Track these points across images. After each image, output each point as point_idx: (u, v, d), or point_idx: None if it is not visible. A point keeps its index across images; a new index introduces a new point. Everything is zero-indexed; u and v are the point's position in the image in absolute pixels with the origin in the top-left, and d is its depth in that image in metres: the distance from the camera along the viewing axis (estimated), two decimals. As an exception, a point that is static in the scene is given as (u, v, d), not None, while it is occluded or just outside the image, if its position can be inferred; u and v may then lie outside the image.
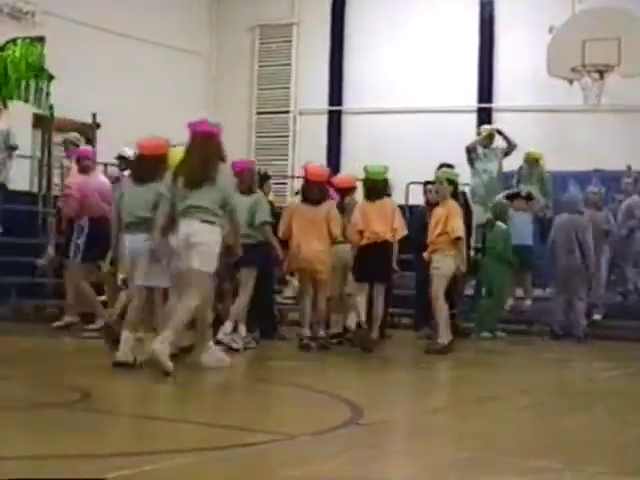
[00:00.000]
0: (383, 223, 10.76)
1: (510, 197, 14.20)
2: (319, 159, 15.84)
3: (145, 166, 8.63)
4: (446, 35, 17.74)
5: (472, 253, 12.47)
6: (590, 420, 6.88)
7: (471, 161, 14.58)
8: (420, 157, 14.56)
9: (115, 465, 4.55)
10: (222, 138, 8.42)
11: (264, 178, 12.07)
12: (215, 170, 8.15)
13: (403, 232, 10.94)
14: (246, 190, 10.13)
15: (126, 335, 8.26)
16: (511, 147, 14.79)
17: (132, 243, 8.55)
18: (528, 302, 14.18)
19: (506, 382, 9.21)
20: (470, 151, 14.60)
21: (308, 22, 19.05)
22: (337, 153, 18.49)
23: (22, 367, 8.34)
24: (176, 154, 8.66)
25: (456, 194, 11.04)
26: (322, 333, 10.81)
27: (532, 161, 14.86)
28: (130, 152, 13.25)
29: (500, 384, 8.98)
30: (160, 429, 5.75)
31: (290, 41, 19.21)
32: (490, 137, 14.87)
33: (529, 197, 14.28)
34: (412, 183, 14.62)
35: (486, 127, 15.29)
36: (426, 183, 12.87)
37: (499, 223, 13.26)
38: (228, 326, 10.02)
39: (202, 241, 7.98)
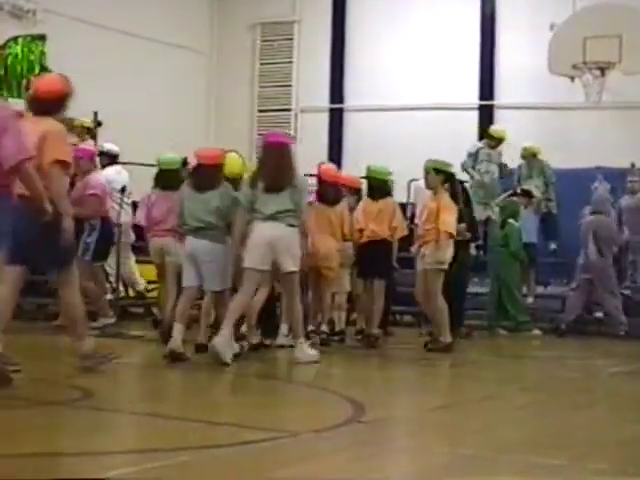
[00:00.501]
0: (382, 222, 10.80)
1: (511, 195, 14.24)
2: (321, 157, 15.85)
3: (204, 175, 9.14)
4: (447, 32, 17.74)
5: (473, 252, 12.45)
6: (591, 417, 6.89)
7: (472, 167, 14.55)
8: (421, 155, 14.44)
9: (117, 463, 4.56)
10: (293, 147, 9.26)
11: None
12: (293, 175, 8.84)
13: (403, 232, 10.98)
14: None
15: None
16: (506, 172, 14.85)
17: (193, 246, 9.02)
18: (530, 299, 14.20)
19: (507, 380, 9.21)
20: (469, 171, 14.54)
21: (309, 20, 19.06)
22: (339, 151, 18.50)
23: (23, 365, 8.33)
24: (232, 160, 9.56)
25: (453, 185, 10.88)
26: (324, 327, 10.85)
27: (530, 155, 14.89)
28: (109, 146, 13.17)
29: (501, 382, 8.98)
30: (162, 427, 5.75)
31: (291, 39, 19.22)
32: (500, 140, 14.83)
33: (529, 194, 14.30)
34: (413, 180, 14.61)
35: (495, 129, 15.17)
36: None
37: (511, 221, 13.29)
38: (284, 328, 10.16)
39: (289, 244, 8.74)
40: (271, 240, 8.67)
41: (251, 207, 8.80)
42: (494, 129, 15.15)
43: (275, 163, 8.82)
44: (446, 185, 10.66)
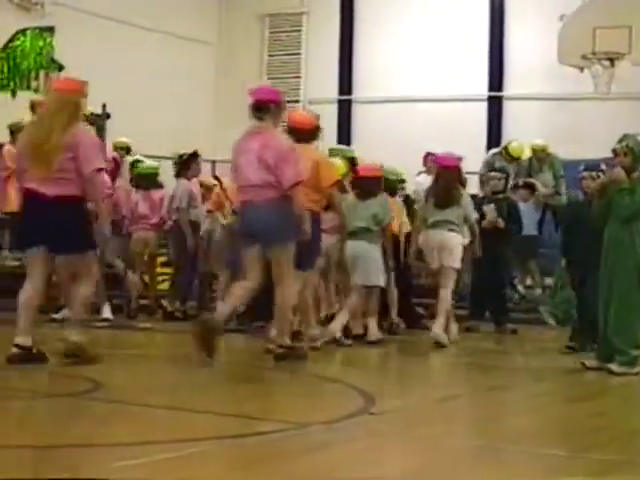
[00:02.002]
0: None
1: (515, 187, 14.22)
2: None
3: (366, 185, 10.31)
4: (457, 23, 17.69)
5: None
6: (602, 408, 6.88)
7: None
8: (430, 146, 14.49)
9: (126, 455, 4.56)
10: (462, 166, 10.68)
11: None
12: (457, 194, 10.36)
13: (408, 228, 11.33)
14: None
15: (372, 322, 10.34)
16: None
17: (352, 247, 10.08)
18: (539, 291, 14.16)
19: (519, 370, 9.22)
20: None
21: (318, 11, 19.01)
22: (347, 142, 18.43)
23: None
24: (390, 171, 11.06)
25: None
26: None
27: (540, 152, 14.83)
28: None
29: (513, 372, 8.99)
30: (171, 419, 5.75)
31: (300, 30, 19.17)
32: (516, 159, 14.74)
33: (532, 187, 14.29)
34: (422, 172, 14.59)
35: (513, 146, 14.97)
36: (487, 171, 13.00)
37: None
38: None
39: (451, 245, 10.25)
40: (436, 244, 10.26)
41: (423, 217, 10.51)
42: (512, 146, 14.81)
43: (443, 185, 10.40)
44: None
